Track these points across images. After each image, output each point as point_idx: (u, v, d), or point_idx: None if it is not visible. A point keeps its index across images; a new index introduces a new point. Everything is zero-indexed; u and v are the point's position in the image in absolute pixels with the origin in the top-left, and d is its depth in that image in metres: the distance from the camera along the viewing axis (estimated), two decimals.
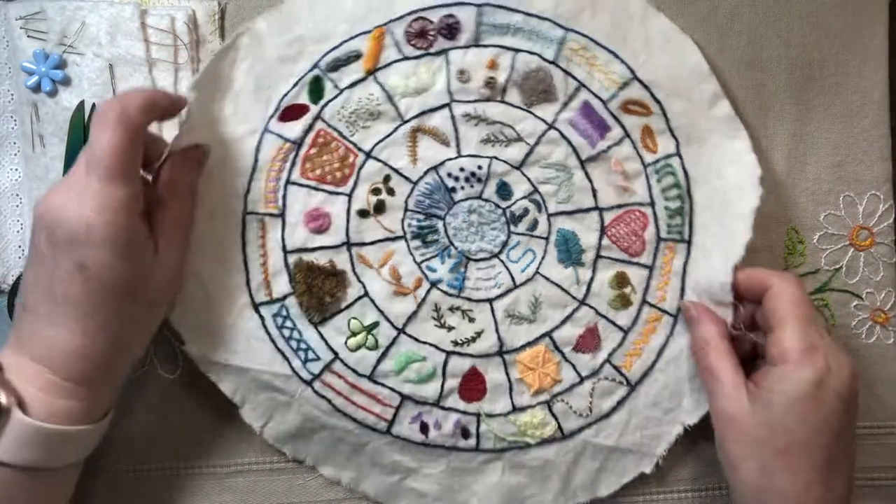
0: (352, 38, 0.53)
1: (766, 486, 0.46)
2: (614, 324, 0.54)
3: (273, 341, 0.51)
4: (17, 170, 0.54)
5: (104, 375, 0.45)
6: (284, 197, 0.52)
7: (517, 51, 0.54)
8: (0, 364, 0.43)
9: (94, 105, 0.52)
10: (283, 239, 0.52)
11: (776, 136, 0.56)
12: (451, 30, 0.54)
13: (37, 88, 0.52)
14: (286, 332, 0.51)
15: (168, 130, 0.51)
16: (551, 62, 0.54)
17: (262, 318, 0.51)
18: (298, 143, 0.52)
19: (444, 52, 0.54)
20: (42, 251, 0.43)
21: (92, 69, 0.53)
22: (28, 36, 0.52)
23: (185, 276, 0.51)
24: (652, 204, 0.55)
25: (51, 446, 0.43)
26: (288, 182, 0.52)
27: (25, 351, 0.43)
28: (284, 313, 0.52)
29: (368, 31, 0.53)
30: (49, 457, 0.43)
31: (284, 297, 0.52)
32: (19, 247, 0.54)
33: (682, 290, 0.54)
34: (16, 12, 0.52)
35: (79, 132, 0.52)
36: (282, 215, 0.52)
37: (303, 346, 0.51)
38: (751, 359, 0.52)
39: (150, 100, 0.45)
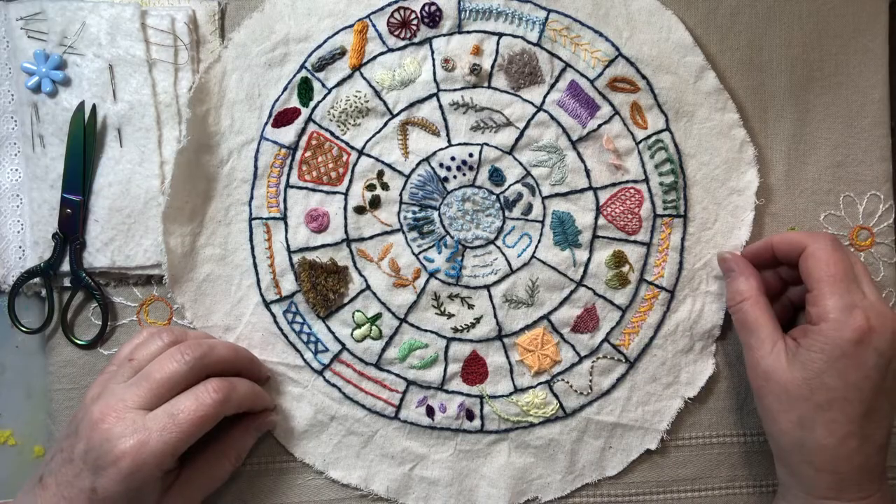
0: (335, 33, 0.54)
1: (804, 437, 0.46)
2: (612, 303, 0.54)
3: (285, 336, 0.54)
4: (17, 170, 0.54)
5: None
6: (285, 200, 0.54)
7: (501, 35, 0.53)
8: None
9: (94, 106, 0.52)
10: (286, 240, 0.54)
11: (776, 136, 0.55)
12: (432, 17, 0.53)
13: (37, 89, 0.52)
14: (297, 327, 0.54)
15: (168, 143, 0.53)
16: (535, 44, 0.53)
17: (273, 315, 0.54)
18: (293, 148, 0.54)
19: (427, 40, 0.54)
20: (73, 455, 0.45)
21: (92, 70, 0.53)
22: (28, 36, 0.52)
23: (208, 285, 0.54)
24: (646, 180, 0.54)
25: None
26: (287, 186, 0.54)
27: None
28: (294, 309, 0.54)
29: (351, 26, 0.54)
30: None
31: (293, 295, 0.54)
32: (19, 247, 0.54)
33: (681, 265, 0.54)
34: (16, 12, 0.52)
35: (79, 132, 0.52)
36: (284, 218, 0.54)
37: (312, 338, 0.54)
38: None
39: (255, 400, 0.51)
